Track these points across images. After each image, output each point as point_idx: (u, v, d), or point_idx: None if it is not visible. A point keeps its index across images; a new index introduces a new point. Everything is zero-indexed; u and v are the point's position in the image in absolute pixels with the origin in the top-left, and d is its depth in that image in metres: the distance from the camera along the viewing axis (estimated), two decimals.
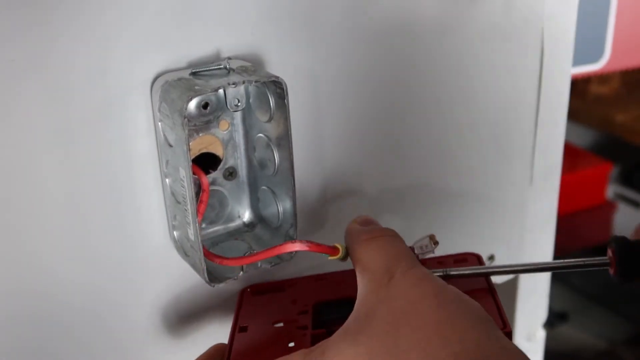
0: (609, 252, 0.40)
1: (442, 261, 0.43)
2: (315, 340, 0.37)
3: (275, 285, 0.43)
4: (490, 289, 0.40)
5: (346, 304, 0.39)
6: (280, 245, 0.38)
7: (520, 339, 0.66)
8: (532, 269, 0.43)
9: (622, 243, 0.39)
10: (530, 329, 0.67)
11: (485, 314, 0.31)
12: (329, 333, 0.33)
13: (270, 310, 0.41)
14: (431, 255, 0.38)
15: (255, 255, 0.39)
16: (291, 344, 0.37)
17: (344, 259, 0.38)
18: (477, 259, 0.44)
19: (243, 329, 0.40)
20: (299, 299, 0.41)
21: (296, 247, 0.37)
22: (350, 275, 0.39)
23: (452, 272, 0.40)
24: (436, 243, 0.38)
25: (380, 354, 0.30)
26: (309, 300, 0.41)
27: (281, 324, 0.39)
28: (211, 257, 0.39)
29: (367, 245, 0.36)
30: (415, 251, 0.38)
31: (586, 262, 0.41)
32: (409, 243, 0.37)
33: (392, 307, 0.32)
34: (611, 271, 0.40)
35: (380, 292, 0.33)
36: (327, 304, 0.41)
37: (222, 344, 0.39)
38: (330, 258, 0.38)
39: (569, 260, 0.41)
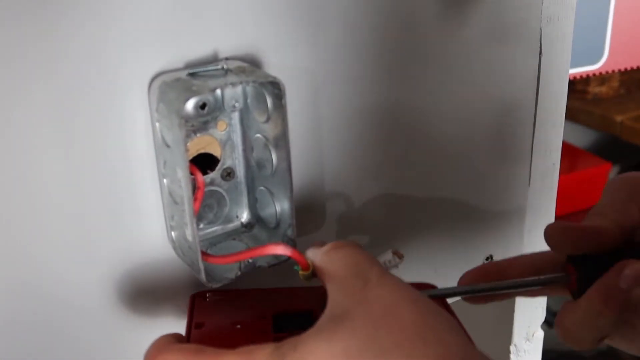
0: (568, 268, 0.40)
1: None
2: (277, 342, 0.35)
3: (229, 294, 0.42)
4: (449, 311, 0.40)
5: (306, 316, 0.38)
6: (264, 246, 0.38)
7: (519, 339, 0.66)
8: (487, 289, 0.41)
9: (580, 258, 0.39)
10: (529, 328, 0.67)
11: (458, 325, 0.32)
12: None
13: (227, 314, 0.40)
14: (396, 270, 0.37)
15: (238, 255, 0.39)
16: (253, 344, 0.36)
17: (309, 277, 0.37)
18: (431, 288, 0.43)
19: (199, 325, 0.38)
20: (255, 307, 0.40)
21: (278, 250, 0.37)
22: (305, 292, 0.39)
23: None
24: (401, 257, 0.37)
25: (359, 353, 0.29)
26: (266, 309, 0.40)
27: (239, 326, 0.38)
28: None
29: (331, 256, 0.35)
30: None
31: (543, 280, 0.41)
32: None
33: (370, 309, 0.31)
34: (570, 288, 0.40)
35: (356, 295, 0.32)
36: (285, 314, 0.39)
37: (179, 334, 0.37)
38: (300, 272, 0.37)
39: (527, 279, 0.41)
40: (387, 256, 0.37)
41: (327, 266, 0.35)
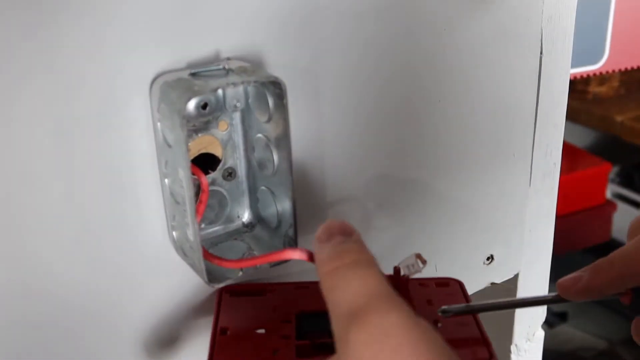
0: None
1: (423, 283, 0.44)
2: (299, 350, 0.35)
3: (254, 289, 0.42)
4: (481, 330, 0.40)
5: (329, 318, 0.38)
6: (280, 251, 0.37)
7: (519, 339, 0.67)
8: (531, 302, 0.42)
9: None
10: (529, 328, 0.67)
11: None
12: (313, 345, 0.32)
13: (251, 315, 0.40)
14: (418, 274, 0.36)
15: (253, 259, 0.39)
16: (275, 353, 0.37)
17: None
18: (458, 284, 0.43)
19: (224, 331, 0.39)
20: (279, 307, 0.40)
21: (296, 255, 0.36)
22: None
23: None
24: (424, 262, 0.36)
25: None
26: (291, 309, 0.39)
27: (263, 331, 0.38)
28: (210, 257, 0.39)
29: (333, 276, 0.31)
30: (402, 272, 0.37)
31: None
32: (397, 260, 0.36)
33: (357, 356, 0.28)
34: (626, 300, 0.41)
35: (343, 335, 0.29)
36: (310, 315, 0.39)
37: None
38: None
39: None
40: (411, 260, 0.37)
41: (327, 286, 0.31)
